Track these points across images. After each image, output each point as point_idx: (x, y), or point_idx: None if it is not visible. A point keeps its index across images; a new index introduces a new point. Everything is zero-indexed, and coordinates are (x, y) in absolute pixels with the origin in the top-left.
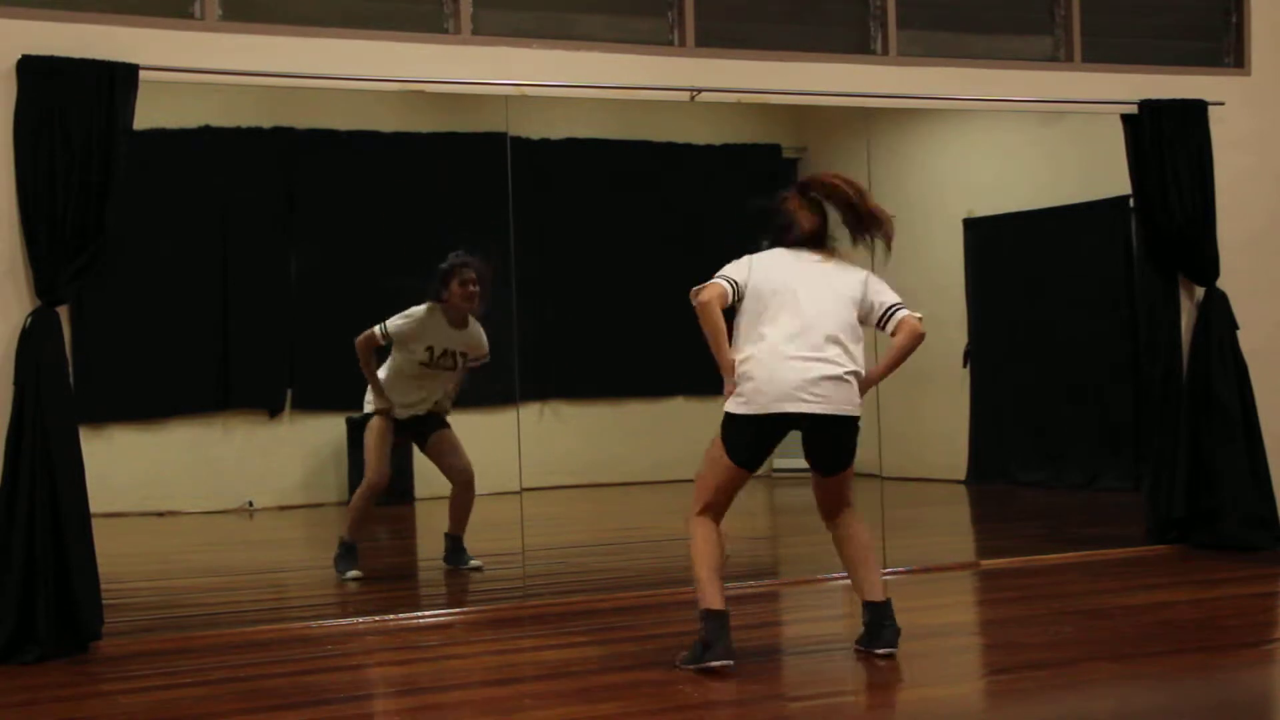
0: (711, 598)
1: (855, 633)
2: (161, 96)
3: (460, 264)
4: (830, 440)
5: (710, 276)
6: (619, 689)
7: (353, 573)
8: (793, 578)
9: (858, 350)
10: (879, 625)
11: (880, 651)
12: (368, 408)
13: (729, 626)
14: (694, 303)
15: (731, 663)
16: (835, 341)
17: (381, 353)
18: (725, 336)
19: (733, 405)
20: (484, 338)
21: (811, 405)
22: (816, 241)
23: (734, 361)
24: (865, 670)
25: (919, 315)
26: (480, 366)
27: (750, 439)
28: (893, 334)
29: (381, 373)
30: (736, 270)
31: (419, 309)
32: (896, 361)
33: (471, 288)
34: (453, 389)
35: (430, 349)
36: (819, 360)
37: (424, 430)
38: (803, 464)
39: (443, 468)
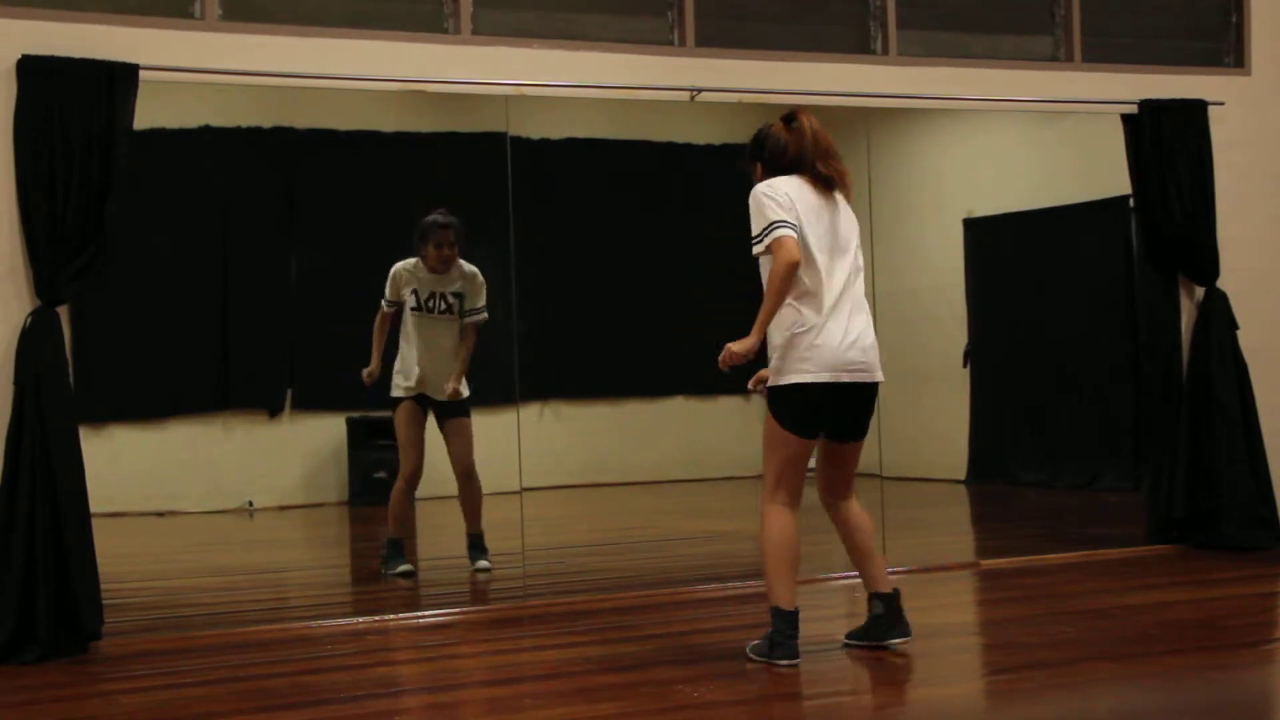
0: (783, 596)
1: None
2: (161, 96)
3: (435, 225)
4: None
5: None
6: (619, 689)
7: (402, 568)
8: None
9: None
10: (896, 614)
11: (897, 642)
12: (392, 392)
13: (798, 626)
14: (775, 262)
15: (798, 661)
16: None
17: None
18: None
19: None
20: (479, 283)
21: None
22: (802, 167)
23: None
24: (865, 670)
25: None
26: (478, 329)
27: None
28: None
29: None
30: (782, 210)
31: (398, 263)
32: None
33: (446, 250)
34: (463, 355)
35: (416, 293)
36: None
37: (446, 414)
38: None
39: (449, 452)
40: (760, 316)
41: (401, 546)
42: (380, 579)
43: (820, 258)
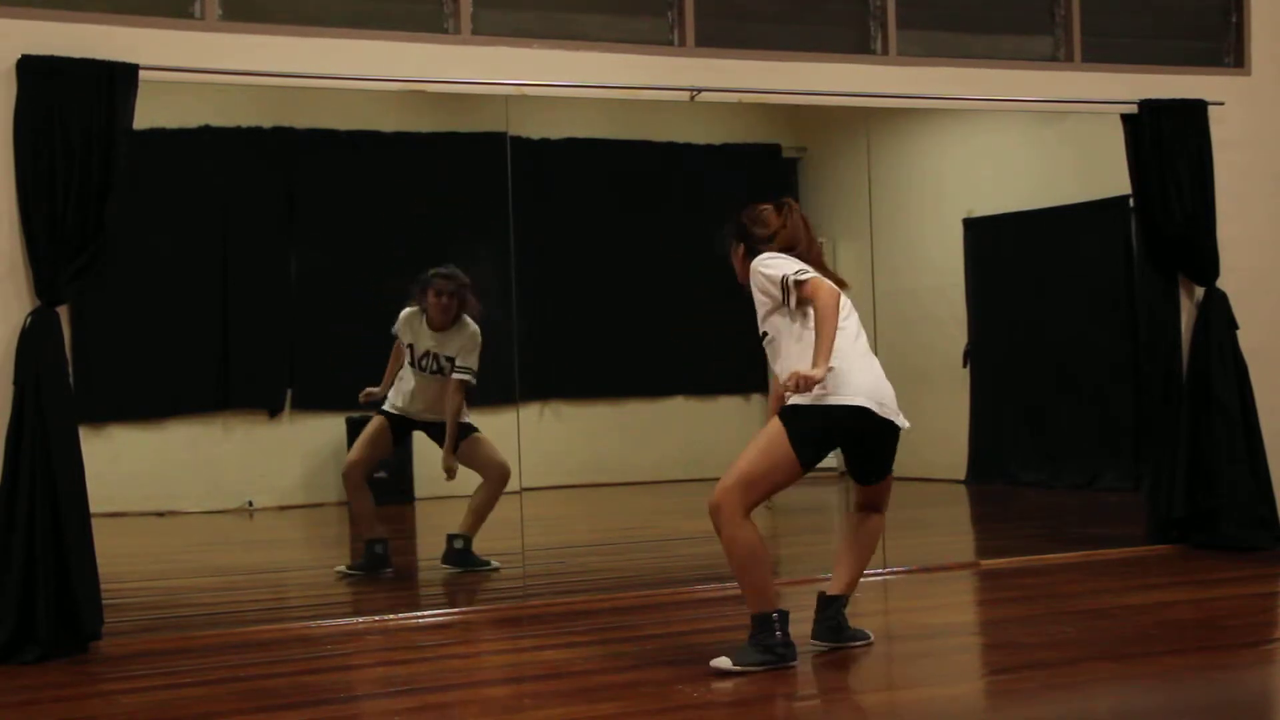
0: (776, 598)
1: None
2: (161, 96)
3: (436, 275)
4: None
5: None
6: (619, 689)
7: (340, 567)
8: (792, 578)
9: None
10: (827, 620)
11: (815, 643)
12: (383, 404)
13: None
14: (821, 295)
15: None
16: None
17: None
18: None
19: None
20: (473, 346)
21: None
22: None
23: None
24: (865, 670)
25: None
26: (463, 388)
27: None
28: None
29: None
30: (798, 263)
31: (406, 310)
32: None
33: (444, 299)
34: (450, 420)
35: (411, 347)
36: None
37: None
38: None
39: (477, 468)
40: (822, 344)
41: (369, 548)
42: (376, 579)
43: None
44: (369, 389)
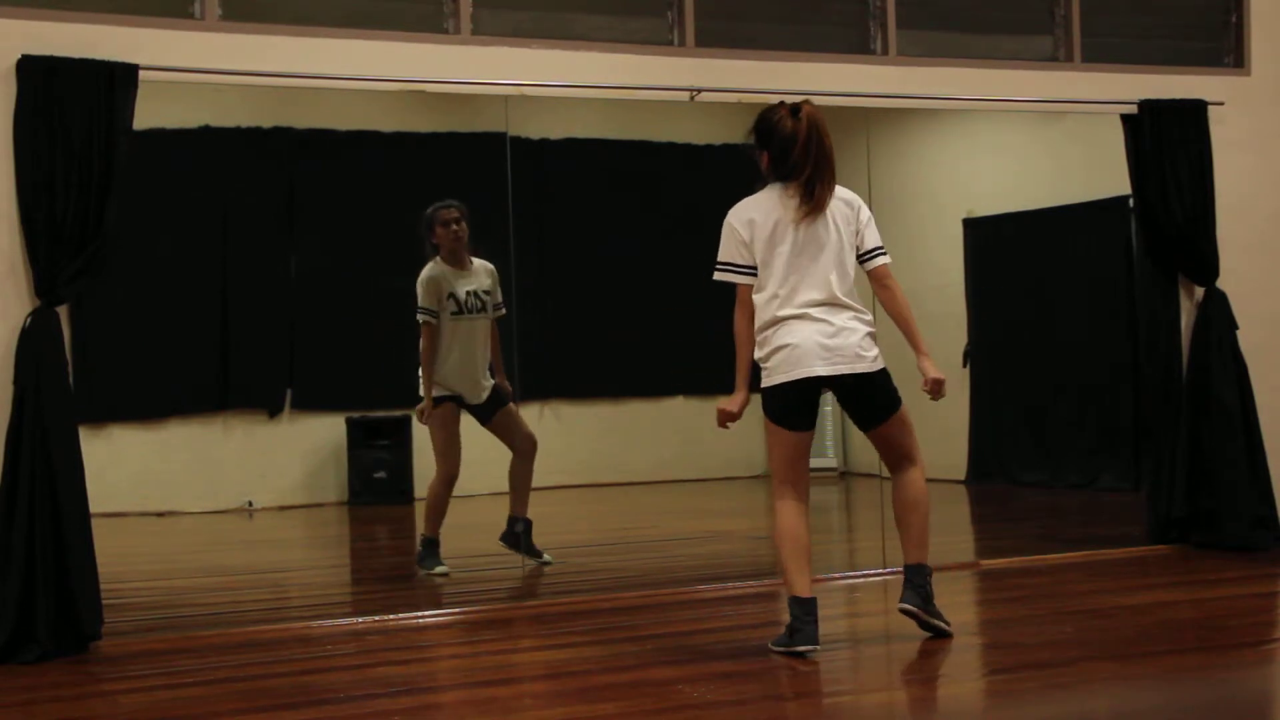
0: (799, 585)
1: (856, 632)
2: (161, 96)
3: (438, 207)
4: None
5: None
6: (619, 689)
7: (439, 569)
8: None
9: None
10: (906, 582)
11: (900, 606)
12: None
13: (817, 613)
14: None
15: (817, 648)
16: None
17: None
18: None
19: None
20: (495, 278)
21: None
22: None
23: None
24: (865, 670)
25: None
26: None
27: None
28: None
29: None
30: (731, 250)
31: (424, 270)
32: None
33: (454, 226)
34: (498, 350)
35: (454, 296)
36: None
37: (489, 410)
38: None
39: (506, 442)
40: (737, 372)
41: (437, 546)
42: (384, 579)
43: (780, 266)
44: (420, 409)
